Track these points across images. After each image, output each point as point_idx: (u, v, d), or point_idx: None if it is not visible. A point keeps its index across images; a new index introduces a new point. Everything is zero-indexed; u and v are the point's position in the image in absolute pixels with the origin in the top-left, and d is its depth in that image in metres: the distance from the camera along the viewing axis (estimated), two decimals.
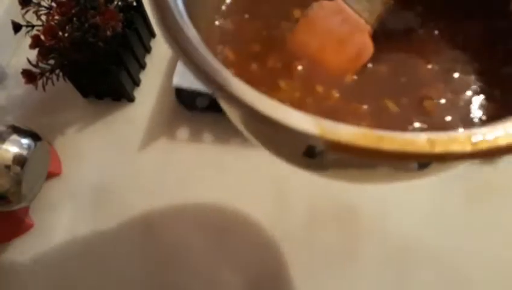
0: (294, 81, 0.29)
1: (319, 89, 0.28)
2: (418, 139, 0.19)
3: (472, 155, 0.19)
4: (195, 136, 0.53)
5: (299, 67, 0.29)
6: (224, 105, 0.26)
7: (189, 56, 0.22)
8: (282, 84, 0.28)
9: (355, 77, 0.29)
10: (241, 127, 0.28)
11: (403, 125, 0.27)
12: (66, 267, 0.48)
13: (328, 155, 0.24)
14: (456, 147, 0.19)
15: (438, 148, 0.19)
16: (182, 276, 0.46)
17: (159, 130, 0.55)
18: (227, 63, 0.27)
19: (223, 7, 0.33)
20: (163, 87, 0.57)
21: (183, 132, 0.54)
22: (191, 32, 0.23)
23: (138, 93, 0.58)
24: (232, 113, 0.27)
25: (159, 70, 0.59)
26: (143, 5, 0.58)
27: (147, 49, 0.61)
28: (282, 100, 0.21)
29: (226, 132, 0.53)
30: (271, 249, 0.47)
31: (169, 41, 0.22)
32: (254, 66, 0.29)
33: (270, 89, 0.25)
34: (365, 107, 0.27)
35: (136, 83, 0.59)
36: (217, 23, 0.32)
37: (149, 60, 0.61)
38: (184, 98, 0.55)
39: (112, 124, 0.57)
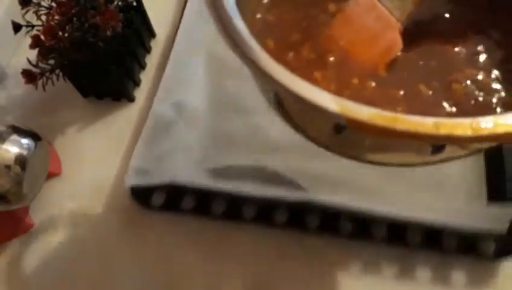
0: (329, 72, 0.31)
1: (355, 80, 0.30)
2: (426, 122, 0.22)
3: (473, 139, 0.22)
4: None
5: (331, 59, 0.31)
6: (258, 81, 0.29)
7: (240, 48, 0.26)
8: (318, 75, 0.30)
9: (386, 69, 0.31)
10: (274, 106, 0.31)
11: (435, 108, 0.29)
12: (66, 267, 0.48)
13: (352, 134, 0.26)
14: (458, 131, 0.22)
15: (442, 131, 0.22)
16: (180, 275, 0.47)
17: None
18: (267, 51, 0.30)
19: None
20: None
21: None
22: (239, 23, 0.26)
23: (138, 93, 0.58)
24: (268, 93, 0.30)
25: (159, 70, 0.59)
26: (143, 5, 0.58)
27: (147, 49, 0.61)
28: None
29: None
30: (269, 258, 0.46)
31: (223, 34, 0.27)
32: (291, 55, 0.32)
33: (306, 79, 0.27)
34: (401, 93, 0.29)
35: (136, 83, 0.59)
36: (259, 15, 0.34)
37: (149, 60, 0.61)
38: (139, 196, 0.50)
39: (112, 124, 0.57)
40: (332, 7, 0.33)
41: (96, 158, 0.54)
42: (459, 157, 0.29)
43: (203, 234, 0.48)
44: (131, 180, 0.48)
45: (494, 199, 0.43)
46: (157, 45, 0.62)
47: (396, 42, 0.31)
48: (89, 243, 0.49)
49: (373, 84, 0.30)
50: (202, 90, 0.55)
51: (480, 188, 0.45)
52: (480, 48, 0.31)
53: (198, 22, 0.59)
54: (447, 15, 0.33)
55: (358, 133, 0.23)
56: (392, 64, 0.31)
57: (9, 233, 0.50)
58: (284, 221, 0.46)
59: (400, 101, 0.29)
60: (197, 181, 0.47)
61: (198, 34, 0.58)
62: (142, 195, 0.50)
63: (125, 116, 0.57)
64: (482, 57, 0.31)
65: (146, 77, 0.59)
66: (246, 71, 0.54)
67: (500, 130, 0.22)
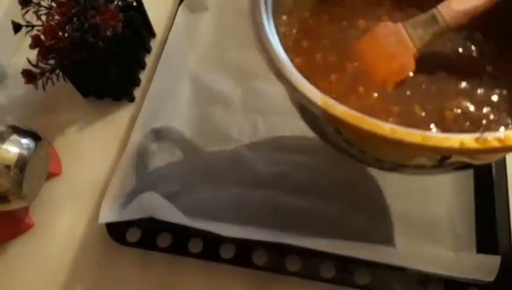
0: (344, 77, 0.35)
1: (361, 89, 0.34)
2: (384, 127, 0.26)
3: (421, 147, 0.26)
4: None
5: (350, 67, 0.36)
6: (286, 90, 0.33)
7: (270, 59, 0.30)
8: (333, 77, 0.35)
9: (394, 86, 0.35)
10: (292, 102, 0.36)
11: (423, 127, 0.32)
12: (66, 267, 0.48)
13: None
14: (409, 138, 0.26)
15: (397, 135, 0.26)
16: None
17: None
18: (300, 50, 0.36)
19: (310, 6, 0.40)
20: None
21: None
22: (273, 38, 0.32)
23: (138, 93, 0.58)
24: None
25: None
26: (143, 4, 0.58)
27: (147, 49, 0.61)
28: (330, 91, 0.30)
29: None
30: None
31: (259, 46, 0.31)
32: (318, 57, 0.37)
33: (323, 79, 0.34)
34: (397, 108, 0.33)
35: (136, 83, 0.59)
36: (298, 22, 0.39)
37: (149, 60, 0.61)
38: (114, 232, 0.48)
39: (112, 124, 0.56)
40: (362, 23, 0.38)
41: (96, 158, 0.54)
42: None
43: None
44: (105, 217, 0.46)
45: (484, 251, 0.43)
46: (157, 45, 0.62)
47: (409, 65, 0.35)
48: (87, 243, 0.49)
49: (375, 94, 0.34)
50: (185, 116, 0.55)
51: (468, 234, 0.45)
52: (481, 83, 0.34)
53: (183, 45, 0.59)
54: (460, 50, 0.36)
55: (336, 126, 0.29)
56: (399, 83, 0.35)
57: (9, 233, 0.50)
58: (264, 262, 0.45)
59: (394, 114, 0.33)
60: (174, 218, 0.45)
61: (183, 58, 0.58)
62: (116, 231, 0.48)
63: (126, 116, 0.57)
64: (480, 92, 0.34)
65: (146, 76, 0.59)
66: (231, 97, 0.54)
67: (445, 144, 0.26)
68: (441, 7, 0.34)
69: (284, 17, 0.37)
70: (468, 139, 0.25)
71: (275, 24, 0.33)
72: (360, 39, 0.37)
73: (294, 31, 0.38)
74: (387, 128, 0.26)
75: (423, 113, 0.33)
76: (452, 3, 0.33)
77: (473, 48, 0.36)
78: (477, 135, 0.25)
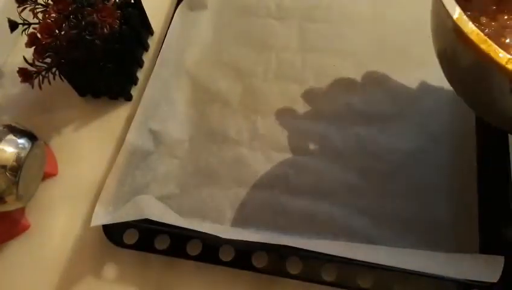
0: (492, 25, 0.37)
1: (502, 40, 0.36)
2: (501, 55, 0.29)
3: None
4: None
5: (502, 18, 0.37)
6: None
7: None
8: (483, 20, 0.37)
9: None
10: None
11: None
12: (62, 269, 0.48)
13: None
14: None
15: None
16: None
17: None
18: None
19: None
20: None
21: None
22: None
23: (135, 92, 0.58)
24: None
25: None
26: (141, 1, 0.57)
27: (145, 47, 0.61)
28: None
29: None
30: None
31: None
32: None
33: (473, 19, 0.34)
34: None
35: (134, 81, 0.58)
36: None
37: (147, 58, 0.60)
38: (111, 234, 0.47)
39: (109, 123, 0.56)
40: None
41: (93, 158, 0.53)
42: None
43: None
44: (97, 220, 0.45)
45: (487, 251, 0.42)
46: (155, 43, 0.61)
47: None
48: (84, 245, 0.49)
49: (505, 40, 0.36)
50: (183, 116, 0.54)
51: (471, 233, 0.44)
52: None
53: (182, 43, 0.58)
54: None
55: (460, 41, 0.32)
56: None
57: (5, 234, 0.50)
58: (264, 265, 0.44)
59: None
60: (169, 220, 0.44)
61: (181, 56, 0.57)
62: (113, 232, 0.47)
63: (123, 116, 0.56)
64: None
65: (143, 75, 0.59)
66: (230, 96, 0.54)
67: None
68: None
69: None
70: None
71: None
72: None
73: None
74: (504, 57, 0.29)
75: None
76: None
77: None
78: None
